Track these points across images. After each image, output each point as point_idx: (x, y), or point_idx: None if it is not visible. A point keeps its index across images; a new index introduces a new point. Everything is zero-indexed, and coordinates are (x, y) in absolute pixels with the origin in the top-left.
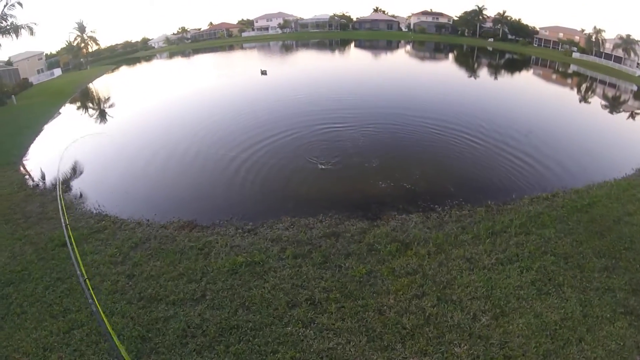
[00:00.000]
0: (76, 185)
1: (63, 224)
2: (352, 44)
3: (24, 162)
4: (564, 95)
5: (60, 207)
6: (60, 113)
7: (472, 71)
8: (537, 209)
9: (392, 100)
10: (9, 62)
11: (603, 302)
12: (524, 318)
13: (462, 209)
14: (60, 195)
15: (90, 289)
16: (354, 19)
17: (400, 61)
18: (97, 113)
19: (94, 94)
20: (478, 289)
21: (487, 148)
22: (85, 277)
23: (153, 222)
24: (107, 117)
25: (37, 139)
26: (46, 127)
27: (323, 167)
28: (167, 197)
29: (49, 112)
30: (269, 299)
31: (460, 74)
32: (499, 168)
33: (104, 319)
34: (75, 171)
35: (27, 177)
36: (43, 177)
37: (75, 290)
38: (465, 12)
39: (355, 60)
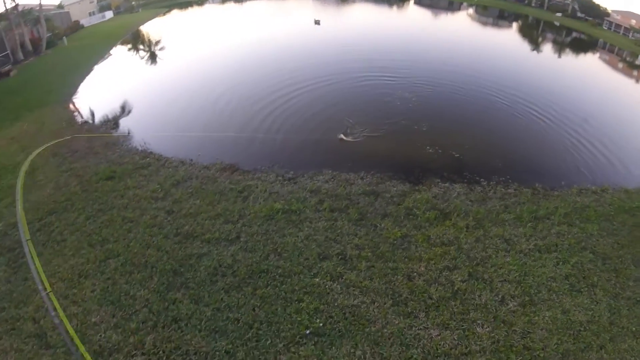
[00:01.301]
0: (123, 123)
1: (23, 240)
2: (412, 1)
3: (74, 100)
4: (631, 88)
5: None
6: (110, 54)
7: (536, 45)
8: (584, 202)
9: (452, 64)
10: (60, 6)
11: (632, 314)
12: (551, 312)
13: (507, 187)
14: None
15: (55, 301)
16: None
17: (461, 24)
18: (147, 55)
19: (145, 36)
20: (511, 272)
21: (549, 128)
22: (49, 290)
23: (196, 163)
24: (156, 59)
25: (86, 78)
26: (96, 67)
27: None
28: (211, 140)
29: (99, 53)
30: (301, 248)
31: (524, 46)
32: (554, 151)
33: (70, 330)
34: (123, 110)
35: (75, 114)
36: (91, 115)
37: (115, 222)
38: None
39: (414, 18)
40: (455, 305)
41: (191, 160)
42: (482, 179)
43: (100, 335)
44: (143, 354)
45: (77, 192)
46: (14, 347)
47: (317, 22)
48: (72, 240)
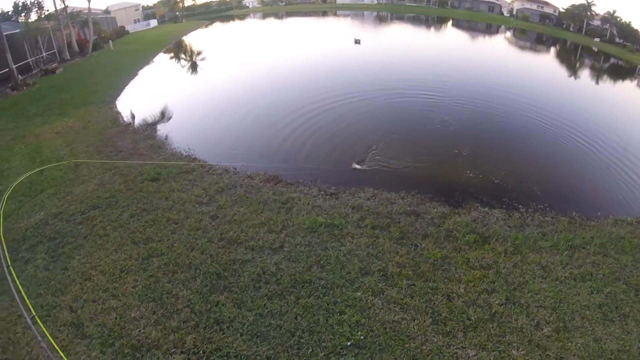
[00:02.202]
0: (167, 127)
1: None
2: (449, 23)
3: (118, 101)
4: None
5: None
6: (154, 61)
7: (573, 70)
8: (619, 232)
9: (492, 87)
10: (107, 11)
11: None
12: (584, 339)
13: (545, 214)
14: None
15: (42, 325)
16: None
17: (500, 47)
18: (189, 64)
19: (187, 46)
20: (547, 298)
21: (586, 155)
22: (34, 314)
23: (240, 172)
24: (198, 68)
25: (131, 82)
26: (140, 72)
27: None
28: (255, 151)
29: (144, 58)
30: (344, 262)
31: (562, 71)
32: (591, 180)
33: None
34: (165, 115)
35: (120, 115)
36: (135, 117)
37: (159, 222)
38: (573, 6)
39: (453, 40)
40: (492, 327)
41: (235, 168)
42: (520, 205)
43: (140, 331)
44: (182, 352)
45: (121, 190)
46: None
47: (357, 42)
48: (114, 235)
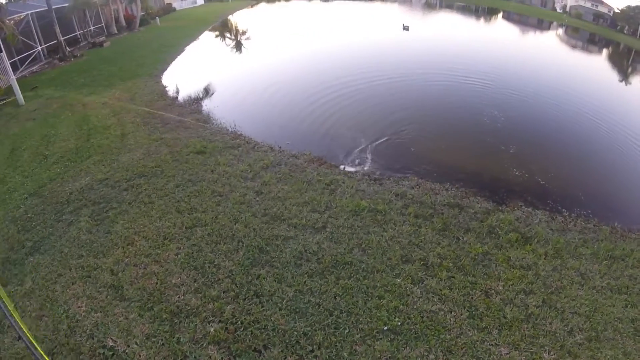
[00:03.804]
0: (213, 103)
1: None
2: (500, 15)
3: (165, 75)
4: None
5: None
6: (199, 38)
7: (625, 75)
8: None
9: (544, 85)
10: None
11: None
12: (614, 351)
13: (588, 221)
14: None
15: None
16: None
17: (552, 44)
18: (234, 42)
19: (233, 25)
20: (582, 305)
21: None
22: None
23: (284, 150)
24: (242, 47)
25: (177, 57)
26: (187, 48)
27: None
28: (299, 131)
29: (190, 35)
30: (385, 248)
31: (614, 75)
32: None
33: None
34: (210, 91)
35: (166, 89)
36: (181, 91)
37: (204, 194)
38: (629, 7)
39: (503, 33)
40: (526, 328)
41: (280, 147)
42: (564, 209)
43: (179, 297)
44: (221, 321)
45: (167, 160)
46: (87, 294)
47: (405, 28)
48: (159, 204)
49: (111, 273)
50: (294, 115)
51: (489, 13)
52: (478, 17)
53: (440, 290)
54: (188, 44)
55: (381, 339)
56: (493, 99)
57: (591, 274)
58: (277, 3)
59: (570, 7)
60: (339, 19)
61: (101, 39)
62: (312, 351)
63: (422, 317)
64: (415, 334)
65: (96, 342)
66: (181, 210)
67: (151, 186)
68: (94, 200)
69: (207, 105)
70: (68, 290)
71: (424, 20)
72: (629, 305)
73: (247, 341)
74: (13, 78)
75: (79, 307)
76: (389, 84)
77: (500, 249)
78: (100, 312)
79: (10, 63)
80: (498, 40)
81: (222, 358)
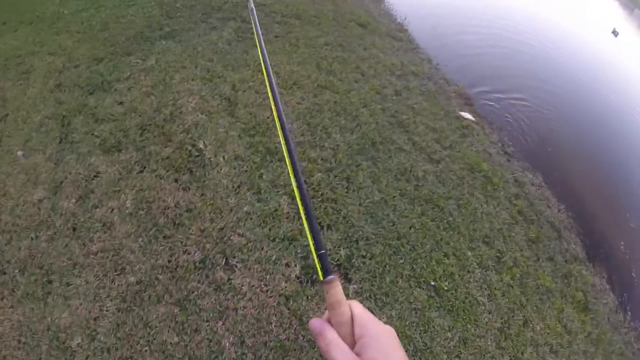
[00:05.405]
0: None
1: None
2: None
3: None
4: None
5: None
6: None
7: None
8: None
9: None
10: None
11: None
12: None
13: None
14: None
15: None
16: None
17: None
18: None
19: None
20: None
21: None
22: None
23: (440, 70)
24: None
25: None
26: None
27: None
28: (464, 60)
29: None
30: (480, 219)
31: None
32: None
33: None
34: None
35: None
36: None
37: (348, 64)
38: None
39: None
40: None
41: (437, 64)
42: None
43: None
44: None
45: (327, 15)
46: (202, 94)
47: (614, 33)
48: (303, 51)
49: (232, 88)
50: (465, 40)
51: None
52: None
53: (495, 288)
54: None
55: (423, 289)
56: None
57: None
58: None
59: None
60: None
61: None
62: (363, 256)
63: (465, 297)
64: (451, 307)
65: (189, 137)
66: (320, 67)
67: (302, 32)
68: (243, 17)
69: None
70: (185, 84)
71: None
72: None
73: (317, 215)
74: None
75: (188, 101)
76: None
77: (561, 297)
78: (206, 115)
79: None
80: None
81: (288, 212)
